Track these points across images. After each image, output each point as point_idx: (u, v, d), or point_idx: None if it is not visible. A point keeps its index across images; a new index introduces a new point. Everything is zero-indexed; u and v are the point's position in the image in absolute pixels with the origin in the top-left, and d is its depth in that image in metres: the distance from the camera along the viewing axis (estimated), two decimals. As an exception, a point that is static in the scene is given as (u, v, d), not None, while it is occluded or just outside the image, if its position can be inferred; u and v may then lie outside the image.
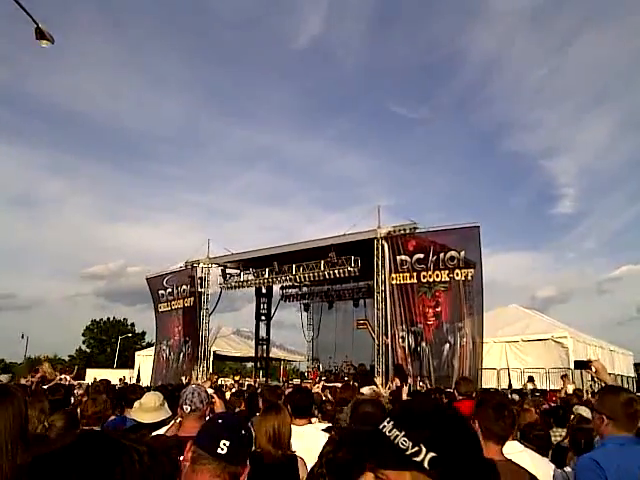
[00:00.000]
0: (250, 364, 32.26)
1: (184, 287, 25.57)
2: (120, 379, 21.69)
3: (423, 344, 18.02)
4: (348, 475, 0.91)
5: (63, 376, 11.20)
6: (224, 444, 1.68)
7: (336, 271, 20.27)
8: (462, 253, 17.47)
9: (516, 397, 10.21)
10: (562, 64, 75.50)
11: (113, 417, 4.44)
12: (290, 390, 4.67)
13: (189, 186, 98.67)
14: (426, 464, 0.81)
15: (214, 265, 25.05)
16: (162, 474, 0.87)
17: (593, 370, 3.58)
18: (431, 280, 18.10)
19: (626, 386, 19.20)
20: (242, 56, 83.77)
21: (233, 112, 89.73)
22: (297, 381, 23.52)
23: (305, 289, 28.76)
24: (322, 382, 11.77)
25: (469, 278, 17.42)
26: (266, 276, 23.15)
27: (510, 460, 2.39)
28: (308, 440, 3.20)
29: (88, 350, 57.81)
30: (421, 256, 18.28)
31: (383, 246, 19.14)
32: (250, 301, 29.05)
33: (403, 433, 0.84)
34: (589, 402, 5.81)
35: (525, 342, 19.49)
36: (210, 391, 3.60)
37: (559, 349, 18.39)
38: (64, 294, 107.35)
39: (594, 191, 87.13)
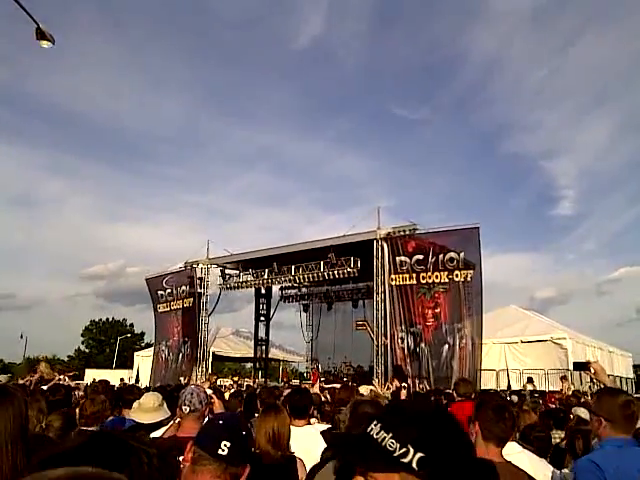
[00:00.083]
0: (249, 365, 32.25)
1: (183, 288, 25.55)
2: (121, 379, 21.69)
3: (422, 345, 18.02)
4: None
5: (62, 376, 11.21)
6: (225, 445, 1.69)
7: (335, 272, 20.27)
8: (462, 254, 17.48)
9: (515, 398, 10.21)
10: (562, 65, 75.68)
11: (112, 417, 4.44)
12: (289, 391, 4.67)
13: (189, 187, 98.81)
14: (414, 464, 0.80)
15: (213, 266, 25.04)
16: (171, 476, 0.88)
17: (592, 372, 3.59)
18: (430, 281, 18.11)
19: (625, 388, 19.21)
20: (242, 56, 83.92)
21: (233, 112, 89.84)
22: (296, 382, 23.53)
23: (304, 290, 28.76)
24: (320, 383, 11.76)
25: (468, 279, 17.42)
26: (265, 277, 23.14)
27: (510, 462, 2.39)
28: (307, 441, 3.21)
29: (87, 350, 57.78)
30: (420, 257, 18.29)
31: (382, 247, 19.15)
32: (249, 302, 29.09)
33: (390, 435, 0.84)
34: (587, 404, 5.81)
35: (524, 343, 19.49)
36: (209, 392, 3.60)
37: (558, 350, 18.39)
38: (63, 294, 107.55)
39: (594, 193, 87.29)
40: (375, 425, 0.88)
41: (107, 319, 59.61)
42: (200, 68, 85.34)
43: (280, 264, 22.15)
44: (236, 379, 23.17)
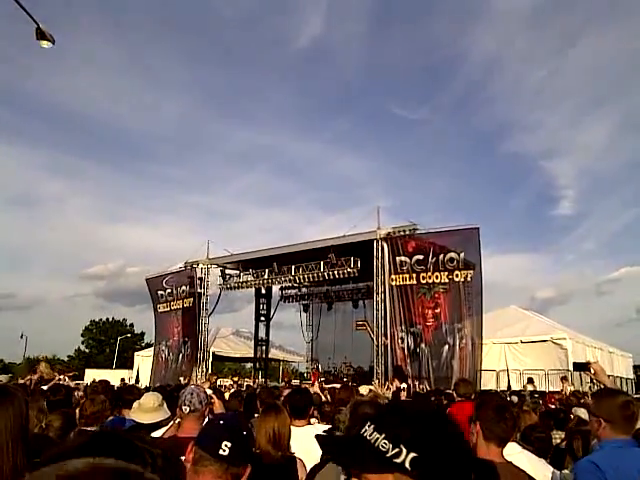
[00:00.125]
0: (249, 365, 32.25)
1: (183, 288, 25.56)
2: (122, 379, 21.69)
3: (422, 345, 18.03)
4: None
5: (62, 376, 11.22)
6: (225, 445, 1.69)
7: (335, 272, 20.28)
8: (462, 254, 17.49)
9: (515, 399, 10.20)
10: (562, 65, 75.62)
11: (112, 417, 4.44)
12: (288, 391, 4.67)
13: (189, 187, 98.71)
14: (407, 465, 0.80)
15: (213, 266, 25.05)
16: (175, 477, 0.87)
17: (592, 372, 3.59)
18: (430, 281, 18.11)
19: (625, 388, 19.21)
20: (242, 57, 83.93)
21: (233, 113, 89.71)
22: (296, 382, 23.52)
23: (304, 290, 28.76)
24: (319, 384, 11.76)
25: (468, 279, 17.43)
26: (265, 277, 23.15)
27: (510, 462, 2.39)
28: (307, 441, 3.20)
29: (87, 350, 57.77)
30: (421, 257, 18.30)
31: (383, 247, 19.15)
32: (249, 302, 29.10)
33: (383, 435, 0.84)
34: (587, 404, 5.80)
35: (524, 343, 19.48)
36: (209, 392, 3.60)
37: (558, 350, 18.39)
38: (63, 294, 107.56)
39: (594, 192, 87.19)
40: (368, 426, 0.88)
41: (107, 319, 59.65)
42: (200, 69, 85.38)
43: (280, 264, 22.15)
44: (236, 379, 23.16)
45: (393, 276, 18.81)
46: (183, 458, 1.76)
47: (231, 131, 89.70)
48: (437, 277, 17.99)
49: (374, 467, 0.83)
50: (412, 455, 0.80)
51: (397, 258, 18.77)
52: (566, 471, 3.24)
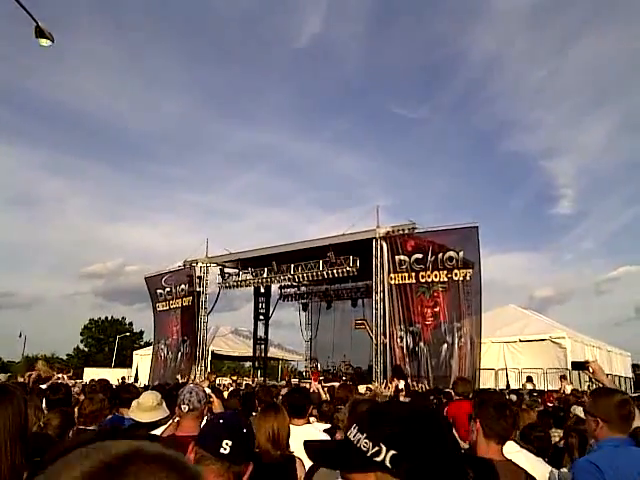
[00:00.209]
0: (248, 364, 32.27)
1: (182, 286, 25.55)
2: (122, 378, 21.68)
3: (421, 344, 18.04)
4: None
5: (60, 375, 11.20)
6: (226, 444, 1.69)
7: (335, 271, 20.27)
8: (461, 253, 17.49)
9: (514, 397, 10.20)
10: (562, 65, 75.64)
11: (110, 416, 4.44)
12: (286, 390, 4.67)
13: (189, 186, 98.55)
14: (387, 463, 0.80)
15: (212, 264, 25.03)
16: None
17: (591, 371, 3.59)
18: (430, 280, 18.12)
19: (624, 387, 19.24)
20: (242, 56, 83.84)
21: (233, 113, 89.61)
22: (295, 381, 23.53)
23: (303, 289, 28.76)
24: (318, 383, 11.76)
25: (467, 278, 17.44)
26: (264, 276, 23.15)
27: (510, 460, 2.39)
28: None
29: (86, 349, 57.72)
30: (420, 256, 18.31)
31: (382, 246, 19.16)
32: (248, 300, 29.12)
33: (365, 435, 0.85)
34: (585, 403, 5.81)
35: (523, 342, 19.48)
36: (208, 391, 3.60)
37: (557, 349, 18.40)
38: (63, 293, 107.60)
39: (593, 192, 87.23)
40: (354, 428, 0.89)
41: (106, 318, 59.61)
42: (199, 68, 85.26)
43: (279, 263, 22.15)
44: (235, 378, 23.16)
45: (392, 275, 18.82)
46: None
47: (231, 130, 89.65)
48: (436, 276, 18.00)
49: (356, 466, 0.84)
50: (392, 453, 0.81)
51: (396, 257, 18.77)
52: (564, 470, 3.24)
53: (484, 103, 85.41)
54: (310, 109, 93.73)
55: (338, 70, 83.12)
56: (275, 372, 33.41)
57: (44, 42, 8.90)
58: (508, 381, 18.74)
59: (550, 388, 15.89)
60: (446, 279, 17.81)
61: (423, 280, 18.24)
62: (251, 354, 28.08)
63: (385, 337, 18.75)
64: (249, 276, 24.05)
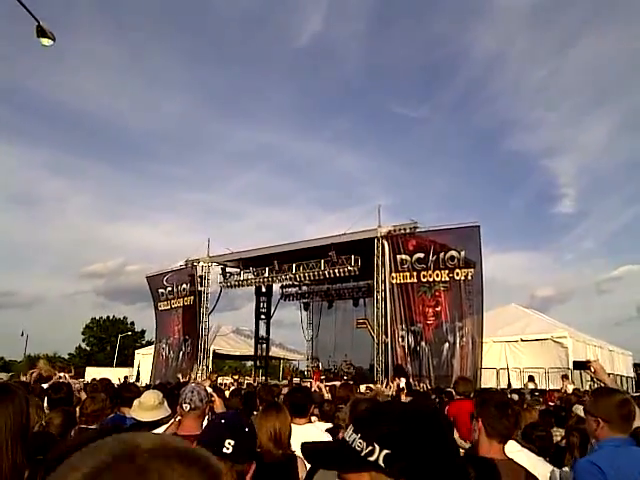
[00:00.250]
0: (250, 363, 32.30)
1: (184, 286, 25.57)
2: (126, 377, 21.68)
3: (423, 343, 18.04)
4: None
5: (62, 374, 11.20)
6: (229, 443, 1.69)
7: (336, 270, 20.27)
8: (462, 253, 17.48)
9: (515, 397, 10.20)
10: (563, 64, 75.53)
11: (112, 415, 4.44)
12: (287, 389, 4.67)
13: (189, 186, 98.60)
14: (381, 462, 0.80)
15: (214, 264, 25.04)
16: None
17: (592, 370, 3.58)
18: (431, 280, 18.11)
19: (625, 386, 19.24)
20: (242, 56, 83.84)
21: (233, 112, 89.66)
22: (296, 380, 23.53)
23: (305, 288, 28.74)
24: (319, 383, 11.76)
25: (469, 278, 17.44)
26: (266, 275, 23.15)
27: (512, 459, 2.39)
28: (308, 439, 3.20)
29: (88, 348, 57.81)
30: (421, 255, 18.30)
31: (383, 245, 19.15)
32: (250, 300, 29.09)
33: (359, 435, 0.85)
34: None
35: (524, 342, 19.48)
36: (209, 390, 3.60)
37: (558, 349, 18.39)
38: (64, 292, 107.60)
39: (594, 191, 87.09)
40: (349, 428, 0.89)
41: (108, 317, 59.69)
42: (200, 68, 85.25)
43: (281, 262, 22.15)
44: (236, 377, 23.17)
45: (394, 274, 18.82)
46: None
47: (231, 130, 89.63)
48: (438, 275, 17.99)
49: (350, 466, 0.84)
50: (385, 452, 0.81)
51: (398, 256, 18.76)
52: (566, 469, 3.23)
53: (485, 102, 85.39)
54: (310, 108, 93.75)
55: (339, 69, 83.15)
56: (276, 371, 33.43)
57: (45, 41, 8.89)
58: (509, 380, 18.73)
59: (552, 387, 15.88)
60: (447, 278, 17.80)
61: (425, 279, 18.23)
62: (252, 353, 28.08)
63: (387, 336, 18.74)
64: (250, 275, 24.05)
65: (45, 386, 6.37)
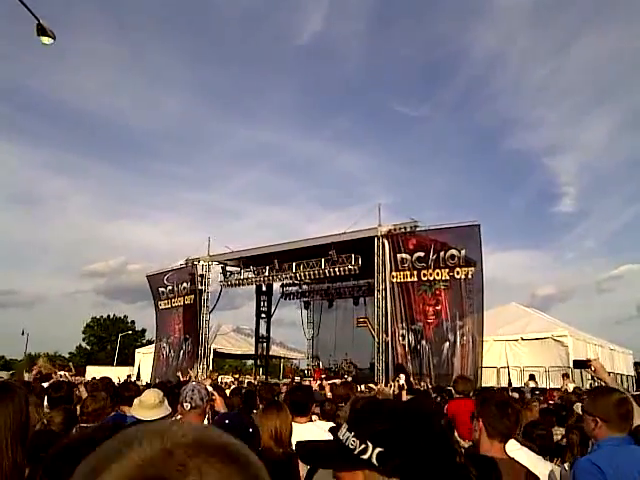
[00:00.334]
0: (250, 362, 32.34)
1: (184, 285, 25.58)
2: (128, 376, 21.68)
3: (423, 342, 18.04)
4: None
5: (63, 373, 11.22)
6: None
7: (336, 269, 20.27)
8: (463, 251, 17.48)
9: (516, 395, 10.20)
10: (564, 62, 75.47)
11: (113, 414, 4.44)
12: (287, 388, 4.67)
13: (190, 185, 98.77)
14: (374, 460, 0.81)
15: (214, 263, 25.06)
16: None
17: (592, 369, 3.58)
18: (431, 278, 18.11)
19: (626, 385, 19.24)
20: (243, 55, 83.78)
21: (234, 111, 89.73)
22: (297, 379, 23.55)
23: (305, 287, 28.74)
24: (322, 381, 11.78)
25: (469, 276, 17.43)
26: (266, 274, 23.15)
27: (512, 458, 2.38)
28: (309, 438, 3.20)
29: (88, 347, 57.89)
30: (422, 254, 18.29)
31: (384, 244, 19.15)
32: (250, 299, 29.11)
33: (352, 434, 0.86)
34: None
35: (525, 341, 19.48)
36: (210, 389, 3.60)
37: (559, 348, 18.39)
38: (65, 291, 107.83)
39: (595, 190, 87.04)
40: (344, 427, 0.90)
41: (108, 316, 59.77)
42: (201, 67, 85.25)
43: (281, 261, 22.16)
44: (237, 376, 23.18)
45: (394, 273, 18.82)
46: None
47: (232, 129, 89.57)
48: (438, 274, 17.99)
49: (343, 465, 0.84)
50: (378, 450, 0.81)
51: (398, 255, 18.76)
52: (566, 466, 3.23)
53: (486, 101, 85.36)
54: (311, 107, 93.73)
55: (339, 68, 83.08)
56: (277, 370, 33.46)
57: (46, 40, 8.88)
58: (510, 379, 18.73)
59: (552, 386, 15.88)
60: (448, 277, 17.80)
61: (425, 278, 18.23)
62: (253, 352, 28.10)
63: (387, 335, 18.74)
64: (251, 274, 24.04)
65: (45, 385, 6.37)
